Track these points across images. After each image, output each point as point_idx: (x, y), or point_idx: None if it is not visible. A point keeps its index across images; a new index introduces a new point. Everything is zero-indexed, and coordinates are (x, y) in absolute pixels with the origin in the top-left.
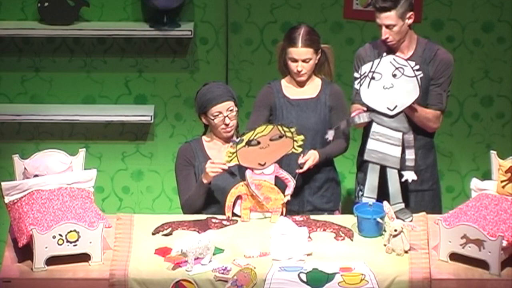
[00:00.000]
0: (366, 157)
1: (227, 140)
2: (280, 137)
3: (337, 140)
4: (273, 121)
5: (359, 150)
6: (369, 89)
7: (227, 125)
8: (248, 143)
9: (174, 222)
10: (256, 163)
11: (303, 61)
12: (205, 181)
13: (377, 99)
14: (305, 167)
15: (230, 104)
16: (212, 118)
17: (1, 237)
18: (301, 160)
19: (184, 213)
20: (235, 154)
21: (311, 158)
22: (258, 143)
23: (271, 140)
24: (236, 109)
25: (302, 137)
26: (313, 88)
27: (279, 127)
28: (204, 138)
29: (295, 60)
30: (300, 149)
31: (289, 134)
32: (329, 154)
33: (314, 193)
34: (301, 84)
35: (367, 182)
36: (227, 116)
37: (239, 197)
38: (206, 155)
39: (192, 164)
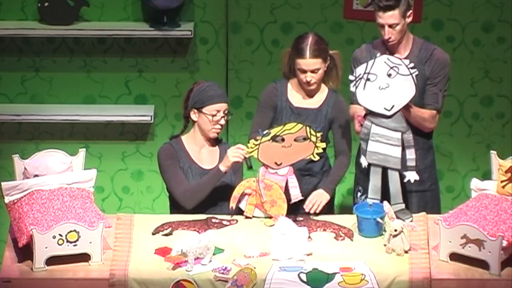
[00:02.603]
0: (367, 159)
1: (210, 140)
2: (305, 139)
3: (339, 158)
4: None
5: (358, 150)
6: (365, 90)
7: (221, 125)
8: (274, 138)
9: (174, 222)
10: (273, 161)
11: (312, 71)
12: (223, 168)
13: (374, 100)
14: (318, 210)
15: (227, 106)
16: (209, 115)
17: (1, 237)
18: (310, 206)
19: (184, 204)
20: (257, 147)
21: (322, 201)
22: (283, 140)
23: (295, 140)
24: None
25: (323, 144)
26: (318, 98)
27: (307, 128)
28: (183, 138)
29: (304, 71)
30: (318, 158)
31: (313, 139)
32: (337, 182)
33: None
34: (309, 94)
35: (370, 184)
36: (223, 117)
37: (246, 193)
38: (188, 155)
39: (177, 160)
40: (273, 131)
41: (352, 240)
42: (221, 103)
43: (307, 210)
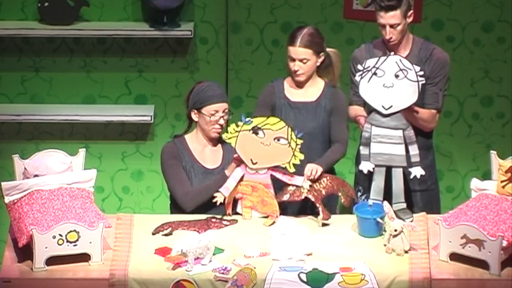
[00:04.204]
0: (372, 161)
1: (212, 140)
2: (285, 142)
3: (335, 144)
4: None
5: (357, 150)
6: (369, 83)
7: (220, 125)
8: (254, 129)
9: (174, 222)
10: (249, 157)
11: (300, 60)
12: (228, 173)
13: (375, 95)
14: (317, 175)
15: (227, 106)
16: (207, 115)
17: (1, 237)
18: (309, 174)
19: (184, 206)
20: (237, 134)
21: (317, 169)
22: (264, 135)
23: (275, 139)
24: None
25: (302, 156)
26: (315, 91)
27: (289, 130)
28: (187, 137)
29: (293, 59)
30: (293, 169)
31: (293, 145)
32: (329, 163)
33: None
34: (300, 85)
35: (373, 185)
36: (222, 117)
37: (237, 198)
38: (190, 154)
39: (180, 160)
40: (255, 121)
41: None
42: (219, 103)
43: (307, 174)
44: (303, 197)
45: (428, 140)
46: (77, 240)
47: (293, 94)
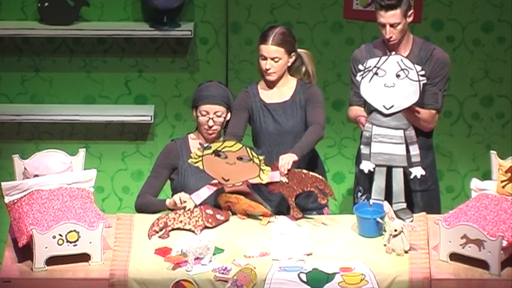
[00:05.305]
0: (373, 161)
1: (209, 140)
2: (248, 159)
3: (310, 127)
4: (252, 124)
5: (357, 150)
6: (370, 83)
7: (210, 127)
8: (216, 153)
9: (167, 215)
10: (220, 176)
11: (272, 59)
12: (167, 202)
13: (376, 95)
14: (289, 166)
15: (219, 108)
16: (199, 115)
17: (1, 237)
18: (282, 170)
19: (134, 204)
20: (201, 159)
21: (289, 161)
22: (226, 156)
23: (238, 158)
24: (225, 116)
25: (269, 168)
26: (288, 90)
27: (248, 150)
28: (190, 135)
29: (265, 58)
30: (265, 180)
31: (256, 161)
32: (305, 148)
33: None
34: (271, 85)
35: (374, 185)
36: (212, 118)
37: (228, 205)
38: (189, 154)
39: (171, 167)
40: (214, 146)
41: (334, 198)
42: (209, 105)
43: (281, 170)
44: (277, 192)
45: (428, 140)
46: (77, 240)
47: (267, 96)
